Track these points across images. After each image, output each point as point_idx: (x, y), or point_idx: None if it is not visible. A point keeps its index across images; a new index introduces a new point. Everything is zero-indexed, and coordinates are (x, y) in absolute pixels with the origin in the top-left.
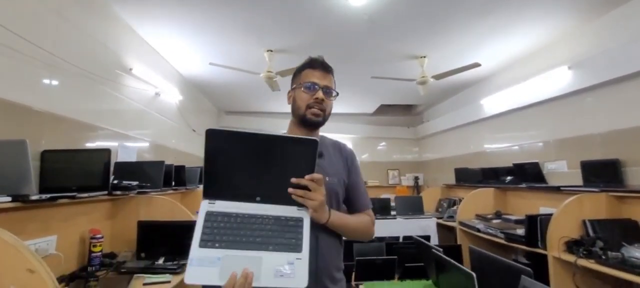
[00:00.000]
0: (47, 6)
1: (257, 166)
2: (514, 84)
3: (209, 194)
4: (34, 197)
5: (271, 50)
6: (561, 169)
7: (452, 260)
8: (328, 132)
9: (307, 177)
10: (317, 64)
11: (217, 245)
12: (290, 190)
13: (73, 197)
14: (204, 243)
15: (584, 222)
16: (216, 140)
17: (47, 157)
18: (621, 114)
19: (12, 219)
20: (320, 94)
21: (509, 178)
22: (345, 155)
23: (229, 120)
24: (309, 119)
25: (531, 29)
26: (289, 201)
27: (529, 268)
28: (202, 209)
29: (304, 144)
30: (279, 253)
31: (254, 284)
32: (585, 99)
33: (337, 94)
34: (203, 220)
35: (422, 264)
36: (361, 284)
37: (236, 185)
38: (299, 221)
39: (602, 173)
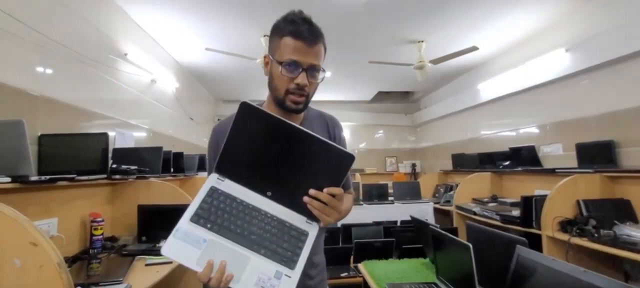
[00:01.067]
0: None
1: (281, 160)
2: (510, 68)
3: (221, 169)
4: (33, 178)
5: (267, 35)
6: (556, 152)
7: (450, 234)
8: None
9: (328, 190)
10: (303, 33)
11: (209, 225)
12: (306, 199)
13: (72, 179)
14: (196, 219)
15: (578, 202)
16: (249, 116)
17: (45, 141)
18: (615, 96)
19: (12, 200)
20: (302, 79)
21: (507, 163)
22: (332, 130)
23: (225, 109)
24: (288, 107)
25: (528, 13)
26: (300, 209)
27: (523, 238)
28: (207, 182)
29: (341, 157)
30: (269, 260)
31: (231, 284)
32: (581, 82)
33: (324, 71)
34: (204, 194)
35: (420, 246)
36: (359, 264)
37: (252, 170)
38: (303, 234)
39: (596, 155)
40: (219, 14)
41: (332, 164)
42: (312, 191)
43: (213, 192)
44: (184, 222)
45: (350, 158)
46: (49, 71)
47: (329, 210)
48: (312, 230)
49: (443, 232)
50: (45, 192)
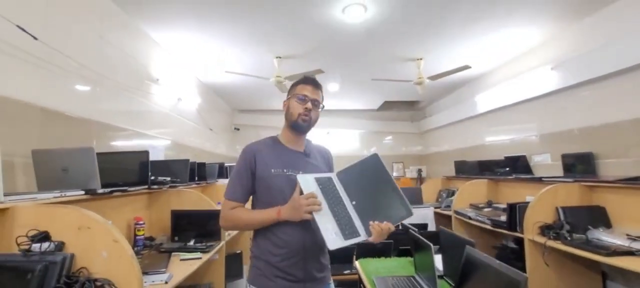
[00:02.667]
0: (93, 31)
1: (375, 191)
2: (504, 82)
3: (340, 172)
4: (100, 191)
5: (280, 57)
6: (546, 161)
7: (420, 236)
8: (337, 127)
9: (387, 225)
10: (309, 81)
11: (321, 186)
12: (372, 223)
13: (124, 191)
14: (317, 179)
15: (557, 208)
16: (373, 159)
17: (100, 158)
18: (595, 111)
19: (83, 207)
20: (309, 105)
21: (502, 170)
22: (326, 158)
23: (241, 118)
24: (299, 124)
25: (518, 33)
26: (365, 223)
27: (471, 240)
28: (331, 175)
29: (405, 207)
30: (337, 226)
31: (314, 213)
32: (566, 97)
33: (323, 106)
34: (326, 176)
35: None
36: (356, 261)
37: (355, 183)
38: (356, 233)
39: (578, 165)
40: (238, 41)
41: (396, 208)
42: (375, 223)
43: (329, 177)
44: (311, 176)
45: (408, 212)
46: (101, 100)
47: (381, 236)
48: (361, 237)
49: (417, 235)
50: (105, 200)
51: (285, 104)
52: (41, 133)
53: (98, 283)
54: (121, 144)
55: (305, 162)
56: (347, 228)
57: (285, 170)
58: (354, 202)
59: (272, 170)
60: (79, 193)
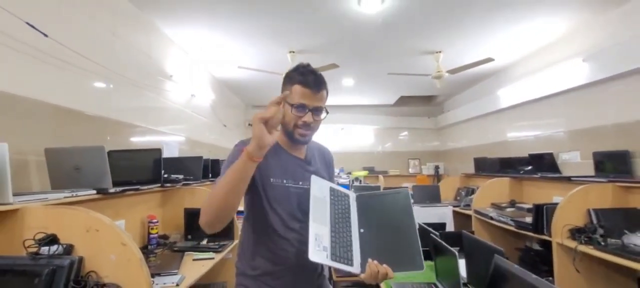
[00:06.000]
0: (106, 28)
1: (390, 228)
2: (529, 76)
3: (361, 196)
4: (111, 190)
5: (293, 52)
6: (575, 160)
7: (442, 241)
8: (350, 123)
9: (387, 269)
10: (309, 82)
11: (332, 197)
12: (371, 261)
13: (137, 189)
14: (331, 190)
15: (588, 211)
16: (401, 196)
17: (112, 156)
18: (631, 106)
19: (95, 207)
20: (309, 118)
21: (529, 168)
22: (327, 160)
23: (254, 113)
24: (297, 140)
25: (545, 23)
26: (364, 256)
27: (500, 248)
28: (350, 193)
29: (415, 262)
30: (330, 239)
31: (311, 220)
32: (598, 91)
33: (327, 112)
34: (344, 189)
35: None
36: None
37: (372, 211)
38: (347, 261)
39: (612, 164)
40: (251, 35)
41: (406, 257)
42: (375, 262)
43: (346, 194)
44: (327, 184)
45: (418, 267)
46: (114, 98)
47: (373, 278)
48: (351, 269)
49: (439, 239)
50: (117, 199)
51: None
52: (55, 131)
53: None
54: (136, 141)
55: (305, 170)
56: (339, 251)
57: (284, 181)
58: (361, 230)
59: (271, 179)
60: (90, 193)
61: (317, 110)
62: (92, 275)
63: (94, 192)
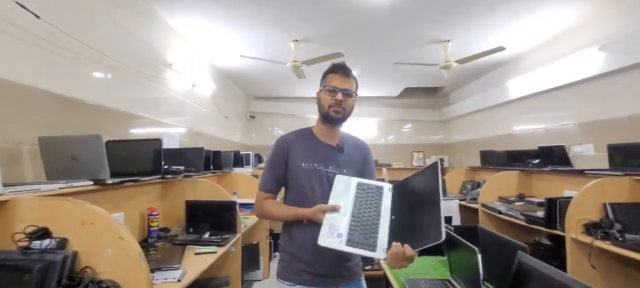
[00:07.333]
0: (105, 14)
1: (417, 207)
2: (540, 66)
3: (398, 185)
4: (109, 181)
5: (297, 40)
6: (587, 152)
7: (459, 237)
8: (353, 115)
9: (407, 248)
10: (339, 69)
11: (358, 190)
12: (395, 243)
13: (136, 181)
14: (359, 184)
15: (604, 205)
16: (432, 170)
17: (111, 146)
18: None
19: (92, 198)
20: (339, 96)
21: (536, 161)
22: (363, 152)
23: (257, 105)
24: (331, 116)
25: (558, 11)
26: (390, 241)
27: (524, 245)
28: (384, 184)
29: (434, 233)
30: (347, 228)
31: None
32: (614, 82)
33: (356, 95)
34: (376, 184)
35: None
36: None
37: (406, 196)
38: (368, 246)
39: (629, 157)
40: (253, 23)
41: (427, 230)
42: (397, 244)
43: (379, 186)
44: (354, 180)
45: (436, 237)
46: (113, 86)
47: (395, 260)
48: (374, 254)
49: (455, 234)
50: (116, 190)
51: (317, 97)
52: (52, 120)
53: (103, 285)
54: (136, 132)
55: (337, 157)
56: (358, 237)
57: (315, 165)
58: (393, 217)
59: (303, 164)
60: (87, 184)
61: (347, 92)
62: (88, 270)
63: (91, 183)
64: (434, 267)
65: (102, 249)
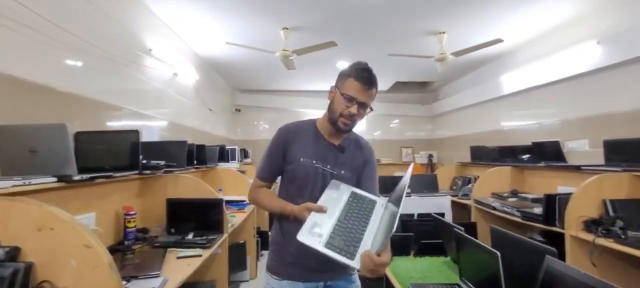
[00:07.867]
0: None
1: (388, 217)
2: (536, 60)
3: (389, 198)
4: (76, 177)
5: (287, 28)
6: (582, 148)
7: (476, 240)
8: None
9: (370, 254)
10: (362, 78)
11: (351, 198)
12: (368, 252)
13: (109, 177)
14: (353, 193)
15: (604, 201)
16: (407, 177)
17: (80, 138)
18: None
19: (57, 198)
20: (353, 109)
21: (526, 156)
22: (365, 154)
23: (243, 98)
24: (338, 126)
25: (556, 3)
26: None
27: (553, 248)
28: (379, 199)
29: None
30: (329, 231)
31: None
32: (612, 76)
33: (371, 109)
34: (370, 196)
35: (439, 241)
36: None
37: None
38: (345, 254)
39: (625, 153)
40: (239, 8)
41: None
42: (367, 251)
43: (373, 200)
44: (348, 188)
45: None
46: (82, 71)
47: (366, 269)
48: (354, 264)
49: (467, 235)
50: (85, 188)
51: (332, 93)
52: (11, 108)
53: None
54: (111, 124)
55: (337, 156)
56: (339, 242)
57: (314, 162)
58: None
59: (302, 159)
60: (49, 181)
61: (363, 106)
62: (46, 286)
63: (54, 179)
64: (438, 268)
65: (63, 259)
